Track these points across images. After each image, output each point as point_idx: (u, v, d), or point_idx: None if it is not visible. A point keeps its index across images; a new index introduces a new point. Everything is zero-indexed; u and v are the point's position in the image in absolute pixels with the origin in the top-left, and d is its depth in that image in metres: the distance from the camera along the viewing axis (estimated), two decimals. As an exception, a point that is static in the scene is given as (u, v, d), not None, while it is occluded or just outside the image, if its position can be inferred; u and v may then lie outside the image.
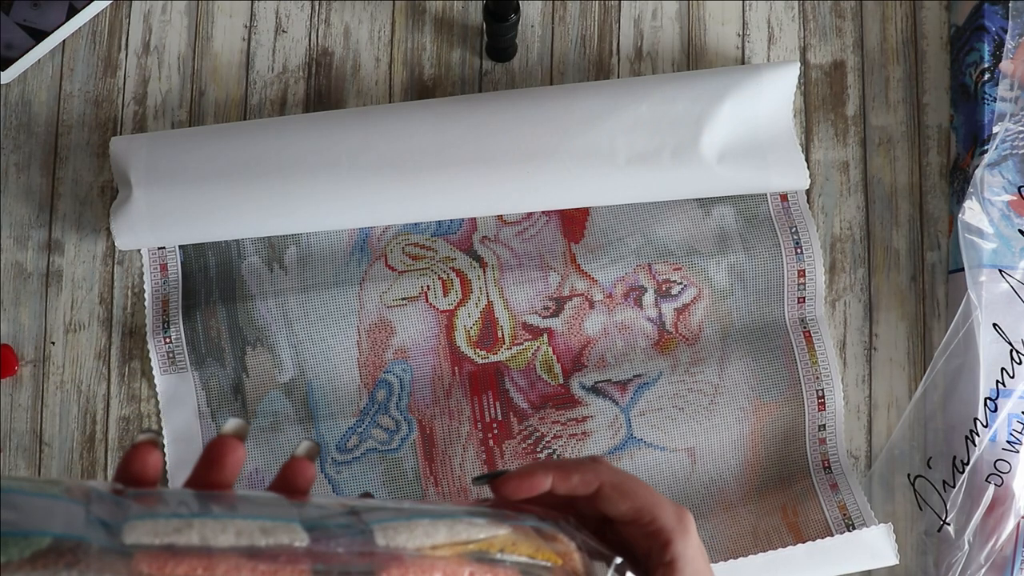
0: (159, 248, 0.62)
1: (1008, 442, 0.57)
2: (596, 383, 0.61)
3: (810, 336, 0.61)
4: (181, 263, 0.62)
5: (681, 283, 0.62)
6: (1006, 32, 0.60)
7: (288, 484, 0.32)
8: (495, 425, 0.61)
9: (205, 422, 0.61)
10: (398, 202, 0.59)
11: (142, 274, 0.62)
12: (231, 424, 0.32)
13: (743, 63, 0.65)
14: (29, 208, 0.63)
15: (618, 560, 0.33)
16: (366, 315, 0.61)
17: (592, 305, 0.61)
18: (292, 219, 0.59)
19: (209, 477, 0.31)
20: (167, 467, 0.60)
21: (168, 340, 0.61)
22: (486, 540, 0.31)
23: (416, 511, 0.31)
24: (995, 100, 0.60)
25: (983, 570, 0.56)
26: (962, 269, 0.59)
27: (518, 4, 0.59)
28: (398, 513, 0.31)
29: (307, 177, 0.58)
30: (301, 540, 0.28)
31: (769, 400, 0.61)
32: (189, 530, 0.27)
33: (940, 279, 0.63)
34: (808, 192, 0.63)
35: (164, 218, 0.59)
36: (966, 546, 0.57)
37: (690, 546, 0.35)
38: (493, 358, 0.61)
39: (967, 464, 0.57)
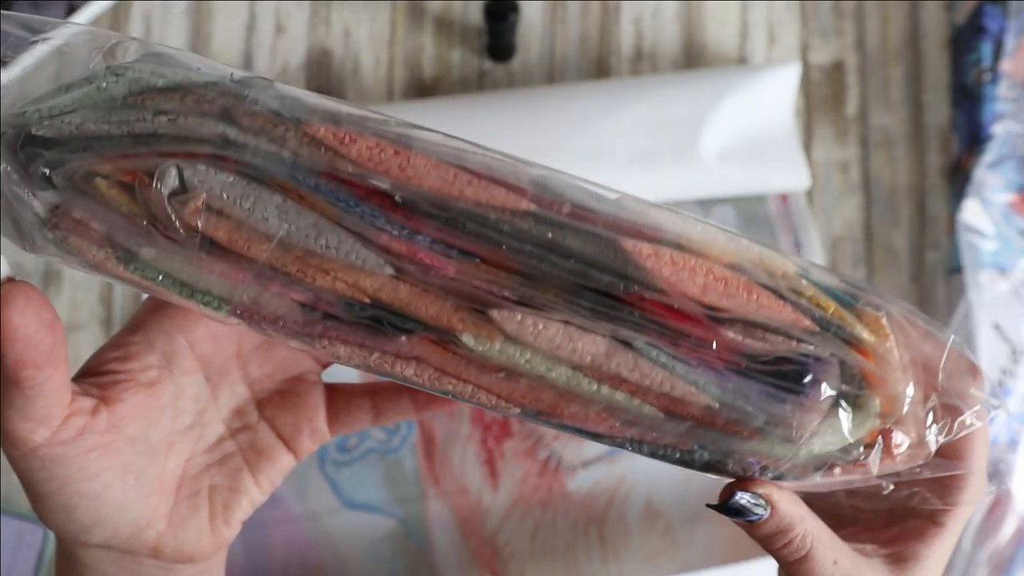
0: (159, 248, 0.62)
1: (1008, 442, 0.57)
2: (596, 383, 0.61)
3: (810, 336, 0.61)
4: (181, 263, 0.62)
5: (681, 283, 0.62)
6: (1006, 32, 0.60)
7: None
8: (495, 425, 0.61)
9: (205, 422, 0.61)
10: (398, 202, 0.59)
11: (142, 274, 0.62)
12: None
13: (743, 63, 0.65)
14: (29, 208, 0.63)
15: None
16: (366, 315, 0.61)
17: (592, 305, 0.61)
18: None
19: None
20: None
21: (168, 340, 0.61)
22: (780, 262, 0.28)
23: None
24: (995, 100, 0.60)
25: (983, 570, 0.56)
26: (962, 269, 0.59)
27: (518, 4, 0.59)
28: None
29: (307, 177, 0.58)
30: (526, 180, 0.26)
31: (769, 400, 0.61)
32: (387, 123, 0.27)
33: (940, 279, 0.63)
34: (808, 192, 0.63)
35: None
36: (967, 546, 0.57)
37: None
38: (493, 358, 0.61)
39: (967, 464, 0.57)
